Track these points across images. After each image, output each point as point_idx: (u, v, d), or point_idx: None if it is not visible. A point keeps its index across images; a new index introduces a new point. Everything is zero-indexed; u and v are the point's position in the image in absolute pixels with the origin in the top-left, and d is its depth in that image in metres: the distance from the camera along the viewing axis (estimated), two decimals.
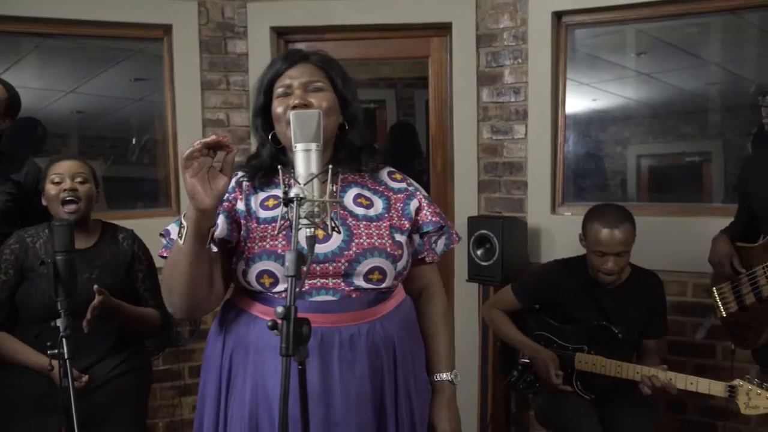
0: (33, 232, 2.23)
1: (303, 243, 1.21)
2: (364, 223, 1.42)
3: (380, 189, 1.51)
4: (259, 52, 3.18)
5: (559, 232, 3.02)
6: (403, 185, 1.54)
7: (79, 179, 2.18)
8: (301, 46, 3.31)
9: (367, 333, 1.39)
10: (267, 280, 1.37)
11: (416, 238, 1.53)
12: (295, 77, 1.44)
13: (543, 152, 3.06)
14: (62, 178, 2.16)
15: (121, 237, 2.29)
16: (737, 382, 2.02)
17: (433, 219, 1.52)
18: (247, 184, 1.47)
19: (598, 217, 2.29)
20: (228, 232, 1.41)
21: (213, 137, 1.25)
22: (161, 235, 1.46)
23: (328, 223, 1.23)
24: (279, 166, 1.25)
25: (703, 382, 2.08)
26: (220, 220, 1.41)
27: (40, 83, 3.45)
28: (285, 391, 1.06)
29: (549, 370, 2.29)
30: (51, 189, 2.16)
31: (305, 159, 1.21)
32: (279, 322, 1.10)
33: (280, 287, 1.38)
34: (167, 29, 3.16)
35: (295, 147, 1.22)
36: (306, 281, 1.37)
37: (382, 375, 1.41)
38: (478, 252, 2.91)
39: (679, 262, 2.81)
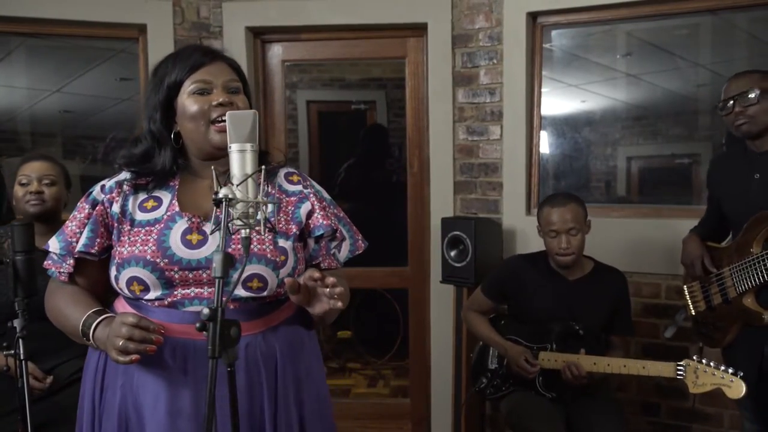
0: (2, 232, 2.22)
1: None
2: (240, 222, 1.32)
3: (273, 191, 1.44)
4: (234, 52, 3.08)
5: (534, 234, 2.96)
6: (299, 188, 1.46)
7: (46, 181, 2.17)
8: (277, 46, 3.31)
9: (246, 347, 1.31)
10: (137, 287, 1.32)
11: (311, 243, 1.45)
12: (215, 74, 1.38)
13: (518, 153, 3.05)
14: (29, 179, 2.16)
15: None
16: (686, 361, 2.06)
17: (324, 222, 1.43)
18: (129, 184, 1.40)
19: (547, 201, 2.43)
20: (86, 245, 1.36)
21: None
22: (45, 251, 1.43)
23: (262, 223, 1.21)
24: (213, 167, 1.22)
25: (654, 365, 2.14)
26: (84, 233, 1.37)
27: (25, 82, 3.45)
28: (211, 395, 1.05)
29: (520, 362, 2.31)
30: (18, 190, 2.16)
31: (240, 159, 1.20)
32: (207, 323, 1.10)
33: (151, 295, 1.32)
34: (142, 29, 3.15)
35: (230, 147, 1.19)
36: (180, 290, 1.31)
37: (262, 393, 1.34)
38: (452, 253, 2.90)
39: (671, 264, 2.80)
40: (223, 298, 1.10)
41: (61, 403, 2.05)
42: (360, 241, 1.52)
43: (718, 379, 2.00)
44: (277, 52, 3.31)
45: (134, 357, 1.19)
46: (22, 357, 1.77)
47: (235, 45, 3.16)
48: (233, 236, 1.28)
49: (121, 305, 1.41)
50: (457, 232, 2.87)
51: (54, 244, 1.40)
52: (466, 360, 2.89)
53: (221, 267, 1.09)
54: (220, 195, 1.13)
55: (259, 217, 1.18)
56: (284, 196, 1.44)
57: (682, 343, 2.70)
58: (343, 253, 1.50)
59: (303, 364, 1.42)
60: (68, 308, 1.38)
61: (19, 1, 2.97)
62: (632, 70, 3.21)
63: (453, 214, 3.14)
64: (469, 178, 3.16)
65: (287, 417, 1.36)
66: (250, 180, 1.18)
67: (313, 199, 1.45)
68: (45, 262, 1.44)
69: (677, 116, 3.21)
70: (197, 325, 1.09)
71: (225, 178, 1.42)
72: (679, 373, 2.07)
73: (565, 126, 3.23)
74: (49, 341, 2.02)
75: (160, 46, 3.11)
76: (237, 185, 1.17)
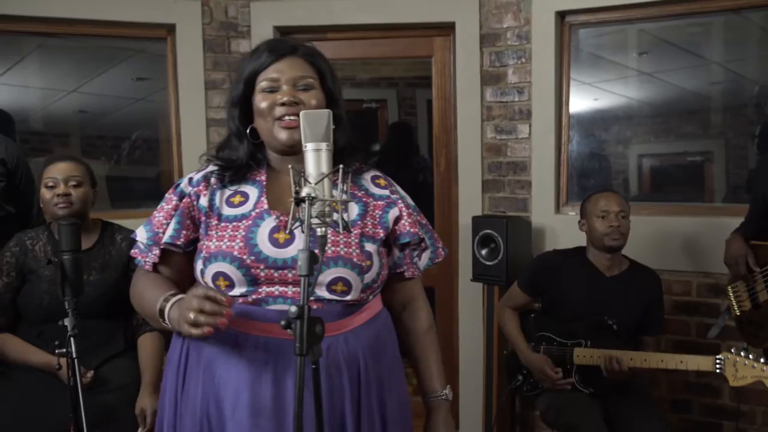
0: (33, 235, 2.24)
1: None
2: (332, 229, 1.30)
3: (359, 194, 1.43)
4: None
5: (563, 232, 3.02)
6: (386, 192, 1.45)
7: (72, 183, 2.16)
8: None
9: (328, 349, 1.29)
10: (222, 283, 1.31)
11: (395, 250, 1.44)
12: (283, 72, 1.37)
13: (547, 152, 3.06)
14: (56, 182, 2.15)
15: (119, 238, 2.29)
16: (724, 354, 2.05)
17: (412, 230, 1.41)
18: (215, 178, 1.40)
19: (594, 193, 2.52)
20: (172, 237, 1.36)
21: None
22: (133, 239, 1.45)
23: (339, 222, 1.22)
24: (290, 166, 1.20)
25: (692, 359, 2.14)
26: (171, 225, 1.38)
27: (42, 83, 3.45)
28: (300, 391, 1.06)
29: (544, 371, 2.34)
30: (45, 193, 2.16)
31: (315, 158, 1.20)
32: (291, 322, 1.10)
33: (235, 291, 1.31)
34: (171, 29, 3.15)
35: (305, 147, 1.20)
36: (264, 287, 1.31)
37: (342, 396, 1.32)
38: (483, 252, 2.90)
39: (682, 262, 2.82)
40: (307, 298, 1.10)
41: (106, 403, 2.05)
42: (441, 249, 1.51)
43: (758, 371, 2.00)
44: None
45: (206, 329, 1.17)
46: (74, 355, 1.79)
47: None
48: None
49: None
50: (489, 231, 2.87)
51: (141, 234, 1.41)
52: (499, 358, 2.90)
53: (307, 265, 1.09)
54: (302, 194, 1.13)
55: (335, 216, 1.19)
56: (371, 199, 1.43)
57: (715, 341, 2.71)
58: (424, 261, 1.49)
59: (385, 366, 1.41)
60: (147, 291, 1.38)
61: (49, 1, 2.97)
62: (646, 68, 3.21)
63: (481, 213, 3.15)
64: (497, 176, 3.17)
65: (370, 420, 1.35)
66: (326, 179, 1.19)
67: (401, 205, 1.44)
68: (132, 251, 1.45)
69: (690, 114, 3.21)
70: (282, 322, 1.09)
71: (300, 176, 1.44)
72: (718, 366, 2.06)
73: (577, 124, 3.22)
74: (89, 340, 2.04)
75: (188, 45, 3.13)
76: (314, 184, 1.17)
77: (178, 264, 1.42)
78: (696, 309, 2.81)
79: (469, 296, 3.15)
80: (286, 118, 1.35)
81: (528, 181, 3.11)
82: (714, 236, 2.58)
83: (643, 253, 2.62)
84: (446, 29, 3.21)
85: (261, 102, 1.37)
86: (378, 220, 1.40)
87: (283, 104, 1.35)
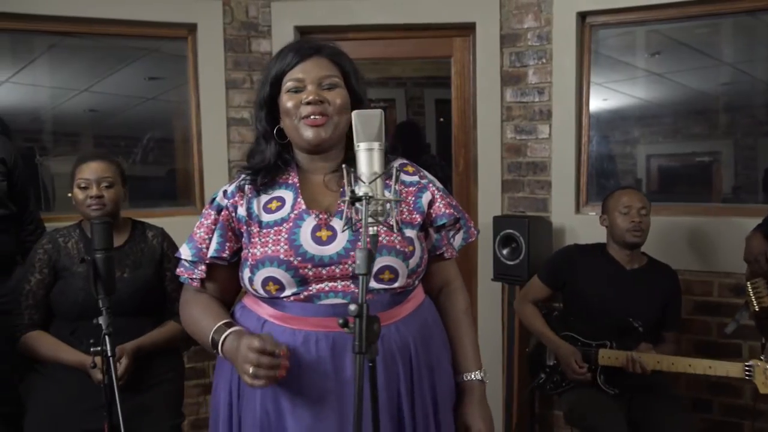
0: (64, 232, 2.25)
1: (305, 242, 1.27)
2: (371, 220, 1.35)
3: (390, 182, 1.43)
4: None
5: (583, 232, 3.02)
6: (416, 178, 1.48)
7: (105, 184, 2.17)
8: None
9: (382, 339, 1.31)
10: (272, 287, 1.34)
11: (432, 232, 1.47)
12: (308, 72, 1.39)
13: (567, 152, 3.07)
14: (89, 183, 2.15)
15: (151, 235, 2.30)
16: (754, 362, 2.07)
17: (447, 211, 1.45)
18: (249, 187, 1.42)
19: (616, 189, 2.57)
20: (217, 251, 1.39)
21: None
22: (177, 258, 1.46)
23: (394, 222, 1.23)
24: (344, 166, 1.21)
25: (721, 365, 2.16)
26: (214, 239, 1.40)
27: (54, 82, 3.45)
28: (360, 388, 1.07)
29: (570, 362, 2.36)
30: (78, 194, 2.17)
31: (368, 158, 1.21)
32: (347, 320, 1.11)
33: (287, 292, 1.33)
34: (192, 28, 3.16)
35: (358, 146, 1.21)
36: (314, 285, 1.33)
37: (398, 383, 1.35)
38: (504, 251, 2.92)
39: (704, 262, 2.83)
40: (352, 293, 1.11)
41: (139, 401, 2.06)
42: (473, 229, 1.53)
43: None
44: None
45: (265, 382, 1.21)
46: (109, 354, 1.80)
47: (283, 44, 3.17)
48: (359, 231, 1.30)
49: (251, 302, 1.42)
50: (510, 231, 2.88)
51: (185, 252, 1.43)
52: (519, 358, 2.91)
53: (364, 264, 1.10)
54: (360, 193, 1.14)
55: (388, 215, 1.20)
56: (403, 186, 1.46)
57: (736, 340, 2.72)
58: (458, 241, 1.52)
59: (434, 352, 1.44)
60: (200, 318, 1.41)
61: (70, 1, 2.97)
62: (658, 68, 3.22)
63: (501, 213, 3.16)
64: (516, 176, 3.18)
65: (423, 405, 1.38)
66: (378, 178, 1.20)
67: (433, 188, 1.47)
68: (177, 269, 1.47)
69: (698, 114, 3.23)
70: (339, 321, 1.11)
71: (336, 175, 1.45)
72: (747, 373, 2.09)
73: (596, 125, 3.22)
74: (122, 337, 2.04)
75: (209, 45, 3.13)
76: (368, 183, 1.18)
77: (223, 277, 1.44)
78: (717, 309, 2.82)
79: (489, 296, 3.16)
80: (312, 117, 1.37)
81: (548, 181, 3.12)
82: (723, 236, 2.65)
83: (664, 253, 2.64)
84: (466, 30, 3.22)
85: (287, 102, 1.39)
86: (413, 205, 1.43)
87: (308, 103, 1.37)
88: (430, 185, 1.48)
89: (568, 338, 2.46)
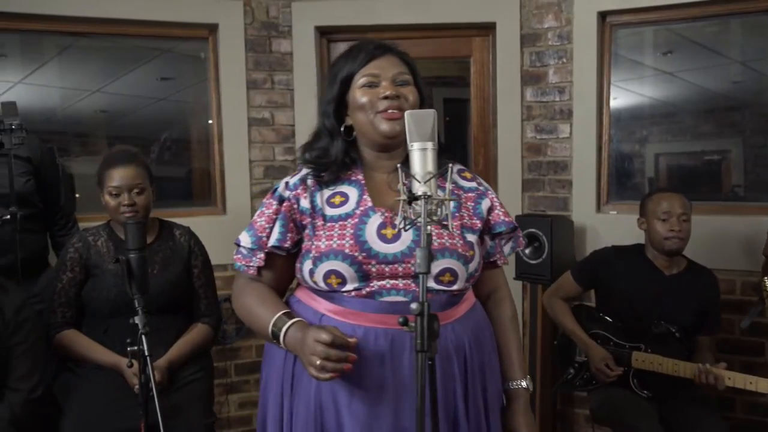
0: (94, 232, 2.26)
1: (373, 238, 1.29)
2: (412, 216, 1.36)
3: (442, 183, 1.46)
4: (303, 52, 3.19)
5: (604, 231, 3.04)
6: (474, 184, 1.51)
7: (136, 190, 2.17)
8: (342, 45, 3.32)
9: (439, 339, 1.30)
10: (335, 280, 1.35)
11: (487, 239, 1.50)
12: (382, 68, 1.42)
13: (588, 151, 3.08)
14: (119, 191, 2.15)
15: (178, 233, 2.32)
16: None
17: (506, 219, 1.49)
18: (312, 180, 1.44)
19: (657, 191, 2.49)
20: (279, 240, 1.39)
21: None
22: (236, 244, 1.47)
23: (449, 221, 1.23)
24: (399, 165, 1.23)
25: (763, 381, 2.11)
26: (276, 229, 1.40)
27: (68, 83, 3.45)
28: (422, 386, 1.08)
29: (602, 367, 2.35)
30: (110, 201, 2.17)
31: (422, 157, 1.22)
32: (407, 318, 1.12)
33: (348, 287, 1.35)
34: (213, 29, 3.17)
35: (411, 146, 1.22)
36: (376, 281, 1.34)
37: (454, 383, 1.37)
38: (527, 250, 2.92)
39: (714, 260, 2.81)
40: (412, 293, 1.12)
41: (172, 400, 2.06)
42: (521, 238, 1.56)
43: None
44: (342, 50, 3.32)
45: (332, 375, 1.22)
46: (146, 353, 1.81)
47: (304, 44, 3.19)
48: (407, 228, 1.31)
49: (306, 296, 1.43)
50: (533, 230, 2.89)
51: (245, 239, 1.43)
52: (542, 357, 2.92)
53: (425, 262, 1.11)
54: (418, 192, 1.15)
55: (441, 213, 1.21)
56: (461, 192, 1.48)
57: (759, 338, 2.73)
58: (507, 249, 1.54)
59: (486, 353, 1.46)
60: (258, 307, 1.41)
61: (91, 1, 2.97)
62: (669, 67, 3.23)
63: (521, 212, 3.16)
64: (537, 176, 3.18)
65: (476, 405, 1.40)
66: (433, 178, 1.21)
67: (492, 195, 1.50)
68: (235, 256, 1.47)
69: (707, 113, 3.24)
70: (399, 319, 1.12)
71: (408, 175, 1.46)
72: None
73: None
74: (152, 336, 2.04)
75: (231, 45, 3.14)
76: (424, 183, 1.19)
77: (280, 267, 1.45)
78: (739, 307, 2.82)
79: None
80: (389, 111, 1.39)
81: (568, 180, 3.13)
82: (736, 234, 2.66)
83: (687, 251, 2.64)
84: (485, 29, 3.23)
85: (361, 97, 1.41)
86: (472, 211, 1.46)
87: (386, 97, 1.39)
88: (489, 192, 1.51)
89: (598, 336, 2.46)
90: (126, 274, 1.90)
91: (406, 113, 1.25)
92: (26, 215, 2.35)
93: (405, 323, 1.12)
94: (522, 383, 1.52)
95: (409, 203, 1.18)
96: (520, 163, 3.19)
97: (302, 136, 3.18)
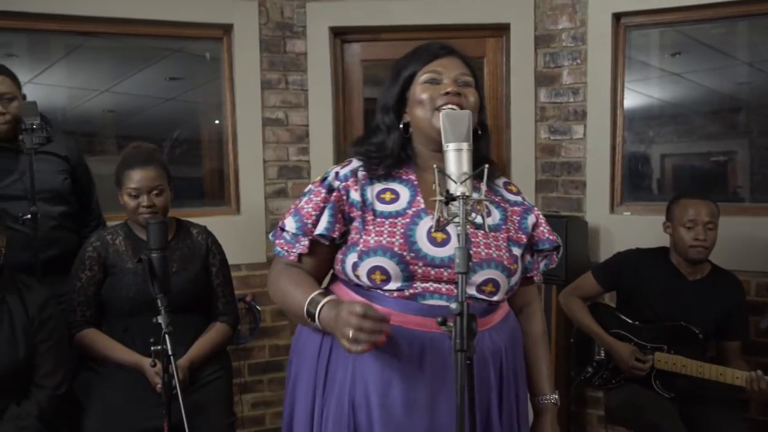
0: (111, 230, 2.27)
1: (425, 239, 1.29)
2: (482, 232, 1.37)
3: (496, 199, 1.48)
4: (317, 52, 3.20)
5: (618, 232, 3.05)
6: (519, 198, 1.53)
7: (155, 192, 2.17)
8: (356, 45, 3.33)
9: (477, 343, 1.31)
10: (379, 277, 1.34)
11: (527, 255, 1.50)
12: (445, 67, 1.43)
13: (602, 152, 3.09)
14: (139, 192, 2.15)
15: (195, 232, 2.33)
16: None
17: (551, 237, 1.51)
18: (363, 173, 1.43)
19: (684, 196, 2.43)
20: (328, 229, 1.38)
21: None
22: (281, 228, 1.45)
23: (484, 223, 1.24)
24: (435, 166, 1.22)
25: None
26: (324, 217, 1.40)
27: (75, 82, 3.45)
28: (462, 386, 1.08)
29: (631, 361, 2.33)
30: (129, 201, 2.17)
31: (457, 158, 1.22)
32: (446, 319, 1.13)
33: (391, 285, 1.34)
34: (227, 29, 3.17)
35: (447, 146, 1.22)
36: (419, 283, 1.35)
37: (489, 389, 1.38)
38: None
39: (728, 261, 2.82)
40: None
41: (194, 399, 2.06)
42: (555, 255, 1.56)
43: None
44: (356, 51, 3.34)
45: (366, 347, 1.20)
46: (170, 352, 1.81)
47: (318, 45, 3.20)
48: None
49: (342, 293, 1.43)
50: None
51: (290, 223, 1.41)
52: (555, 358, 2.92)
53: (464, 262, 1.12)
54: (457, 192, 1.16)
55: (474, 216, 1.22)
56: (507, 205, 1.48)
57: None
58: (541, 266, 1.55)
59: (519, 361, 1.47)
60: (294, 289, 1.40)
61: (105, 1, 2.97)
62: (677, 68, 3.24)
63: None
64: (550, 176, 3.19)
65: (509, 413, 1.40)
66: (469, 179, 1.21)
67: (537, 212, 1.51)
68: (276, 241, 1.45)
69: (714, 114, 3.25)
70: (438, 319, 1.13)
71: (444, 175, 1.47)
72: None
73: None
74: (173, 335, 2.05)
75: (245, 46, 3.14)
76: (460, 183, 1.19)
77: (322, 256, 1.44)
78: (755, 308, 2.83)
79: None
80: (448, 106, 1.39)
81: (582, 181, 3.13)
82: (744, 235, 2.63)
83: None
84: (499, 30, 3.24)
85: (422, 93, 1.42)
86: (518, 225, 1.47)
87: (447, 93, 1.39)
88: (534, 209, 1.53)
89: (618, 336, 2.45)
90: (148, 273, 1.91)
91: (442, 113, 1.26)
92: (62, 213, 2.40)
93: (443, 323, 1.12)
94: (552, 398, 1.53)
95: (446, 203, 1.18)
96: (533, 163, 3.20)
97: (316, 137, 3.22)
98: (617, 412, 2.42)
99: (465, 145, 1.23)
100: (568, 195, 3.16)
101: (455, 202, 1.17)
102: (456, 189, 1.17)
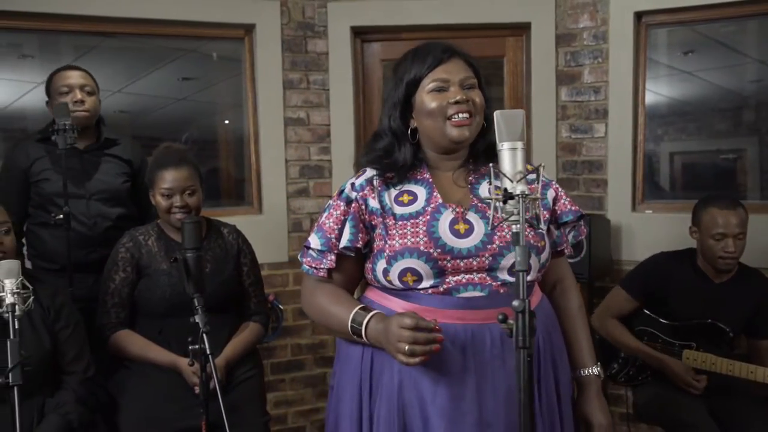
0: (143, 231, 2.27)
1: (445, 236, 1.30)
2: (503, 215, 1.38)
3: (540, 187, 1.50)
4: (339, 52, 3.21)
5: (639, 230, 3.06)
6: (534, 176, 1.54)
7: (188, 192, 2.17)
8: (376, 45, 3.34)
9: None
10: (410, 278, 1.36)
11: (553, 229, 1.51)
12: (451, 72, 1.42)
13: (624, 151, 3.09)
14: (172, 192, 2.15)
15: (226, 231, 2.33)
16: None
17: (573, 208, 1.51)
18: (378, 180, 1.45)
19: (713, 203, 2.33)
20: (351, 240, 1.40)
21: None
22: (306, 247, 1.47)
23: (540, 220, 1.25)
24: (491, 165, 1.24)
25: None
26: (346, 229, 1.42)
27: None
28: (525, 383, 1.09)
29: (688, 380, 2.30)
30: (161, 201, 2.17)
31: (512, 157, 1.24)
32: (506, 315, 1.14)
33: (424, 283, 1.36)
34: (249, 29, 3.18)
35: (501, 145, 1.23)
36: (452, 278, 1.36)
37: (530, 373, 1.39)
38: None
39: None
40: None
41: (230, 399, 2.06)
42: (583, 226, 1.56)
43: None
44: (375, 50, 3.35)
45: (423, 358, 1.22)
46: (208, 351, 1.82)
47: (340, 45, 3.20)
48: (497, 226, 1.32)
49: (377, 296, 1.44)
50: None
51: (315, 241, 1.44)
52: None
53: (524, 260, 1.13)
54: (517, 191, 1.17)
55: (531, 212, 1.23)
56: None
57: None
58: (570, 238, 1.56)
59: (556, 344, 1.48)
60: (332, 307, 1.43)
61: (126, 2, 2.98)
62: (691, 66, 3.25)
63: None
64: (572, 175, 3.20)
65: (548, 396, 1.42)
66: (524, 177, 1.22)
67: (555, 185, 1.52)
68: (303, 259, 1.47)
69: (723, 112, 3.26)
70: (499, 316, 1.14)
71: (464, 171, 1.48)
72: None
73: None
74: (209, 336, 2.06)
75: (268, 45, 3.15)
76: (514, 182, 1.20)
77: (349, 268, 1.46)
78: None
79: None
80: (460, 115, 1.40)
81: (604, 179, 3.14)
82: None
83: None
84: (519, 29, 3.25)
85: (430, 102, 1.42)
86: (540, 202, 1.45)
87: (456, 102, 1.40)
88: (552, 182, 1.53)
89: (645, 333, 2.45)
90: (184, 273, 1.92)
91: (496, 113, 1.26)
92: (120, 215, 2.46)
93: (504, 320, 1.13)
94: (593, 370, 1.54)
95: (504, 202, 1.19)
96: (554, 162, 3.21)
97: (337, 136, 3.23)
98: (646, 409, 2.43)
99: (519, 144, 1.24)
100: (589, 193, 3.17)
101: (512, 201, 1.18)
102: (514, 188, 1.18)
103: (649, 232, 3.01)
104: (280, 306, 3.20)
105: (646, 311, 2.50)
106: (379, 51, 3.35)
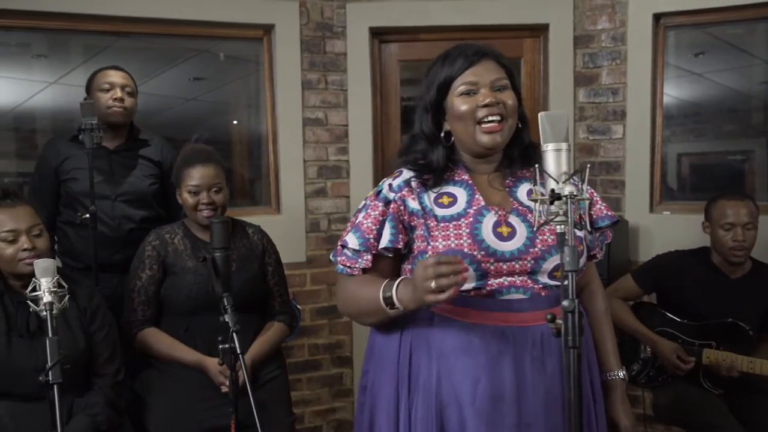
0: (169, 229, 2.27)
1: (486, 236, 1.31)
2: (544, 218, 1.39)
3: (586, 188, 1.51)
4: (357, 52, 3.21)
5: (657, 231, 3.07)
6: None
7: (215, 189, 2.18)
8: (394, 45, 3.35)
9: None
10: None
11: (586, 233, 1.49)
12: (480, 75, 1.41)
13: (642, 152, 3.10)
14: (199, 189, 2.16)
15: (251, 231, 2.34)
16: None
17: (609, 214, 1.52)
18: (416, 182, 1.45)
19: (722, 196, 2.43)
20: (392, 241, 1.40)
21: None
22: (342, 246, 1.47)
23: (586, 221, 1.26)
24: (536, 165, 1.24)
25: None
26: (386, 230, 1.42)
27: None
28: (576, 382, 1.10)
29: (672, 359, 2.35)
30: (188, 198, 2.18)
31: (556, 158, 1.24)
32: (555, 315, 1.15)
33: (467, 286, 1.35)
34: (268, 29, 3.19)
35: (546, 147, 1.23)
36: (494, 280, 1.36)
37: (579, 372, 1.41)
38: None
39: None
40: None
41: (256, 398, 2.07)
42: (610, 232, 1.57)
43: None
44: (393, 51, 3.36)
45: (453, 290, 1.21)
46: (239, 351, 1.83)
47: (358, 45, 3.21)
48: (539, 229, 1.32)
49: None
50: None
51: (352, 240, 1.43)
52: None
53: (574, 261, 1.13)
54: (565, 192, 1.17)
55: (576, 213, 1.23)
56: None
57: None
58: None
59: (589, 347, 1.49)
60: (362, 290, 1.42)
61: (145, 2, 2.98)
62: (701, 68, 3.26)
63: None
64: (589, 176, 3.17)
65: (586, 398, 1.42)
66: (570, 178, 1.23)
67: (591, 191, 1.50)
68: (338, 258, 1.47)
69: (731, 113, 3.27)
70: (547, 316, 1.14)
71: (499, 174, 1.49)
72: None
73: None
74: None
75: (286, 46, 3.16)
76: (562, 183, 1.21)
77: (386, 268, 1.46)
78: None
79: None
80: (490, 118, 1.40)
81: (621, 180, 3.15)
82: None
83: None
84: (537, 30, 3.26)
85: (461, 106, 1.42)
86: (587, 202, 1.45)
87: (485, 105, 1.40)
88: (588, 188, 1.51)
89: (665, 333, 2.46)
90: (212, 272, 1.93)
91: (541, 114, 1.27)
92: (144, 218, 2.48)
93: (553, 320, 1.14)
94: (619, 374, 1.55)
95: (551, 203, 1.20)
96: (572, 163, 3.20)
97: (355, 136, 3.24)
98: (667, 410, 2.43)
99: (564, 146, 1.24)
100: (607, 194, 3.18)
101: (558, 202, 1.19)
102: (562, 188, 1.18)
103: (667, 233, 3.02)
104: (298, 306, 3.20)
105: (664, 312, 2.52)
106: (397, 52, 3.35)
